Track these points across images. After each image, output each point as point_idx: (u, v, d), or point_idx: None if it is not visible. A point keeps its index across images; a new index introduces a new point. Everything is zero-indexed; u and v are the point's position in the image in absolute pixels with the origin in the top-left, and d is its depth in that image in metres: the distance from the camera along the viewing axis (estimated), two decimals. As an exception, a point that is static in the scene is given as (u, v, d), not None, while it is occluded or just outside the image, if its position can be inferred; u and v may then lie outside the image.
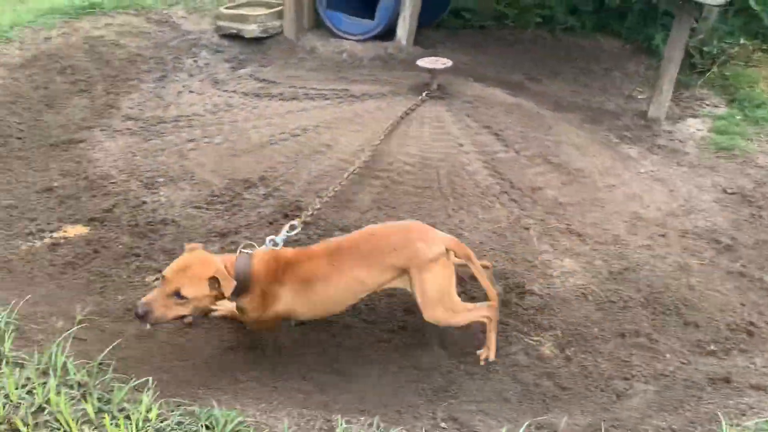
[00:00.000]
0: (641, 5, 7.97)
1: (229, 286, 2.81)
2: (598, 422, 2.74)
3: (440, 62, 5.48)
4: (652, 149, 5.63)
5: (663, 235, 4.29)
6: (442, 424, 2.64)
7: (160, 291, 2.79)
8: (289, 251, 3.14)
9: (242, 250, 3.07)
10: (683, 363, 3.22)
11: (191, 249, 2.92)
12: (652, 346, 3.32)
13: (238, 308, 3.05)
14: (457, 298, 3.13)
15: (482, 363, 3.17)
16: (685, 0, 5.43)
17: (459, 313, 3.11)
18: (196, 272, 2.80)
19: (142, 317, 2.75)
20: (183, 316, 2.88)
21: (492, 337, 3.19)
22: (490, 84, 6.24)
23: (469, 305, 3.17)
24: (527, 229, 4.13)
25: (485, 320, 3.17)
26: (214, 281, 2.80)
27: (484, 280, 3.16)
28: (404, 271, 3.04)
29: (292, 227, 3.44)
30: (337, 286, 3.02)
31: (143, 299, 2.78)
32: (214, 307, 3.14)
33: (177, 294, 2.76)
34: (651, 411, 2.85)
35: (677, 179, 5.16)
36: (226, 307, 3.23)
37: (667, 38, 7.08)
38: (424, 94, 5.38)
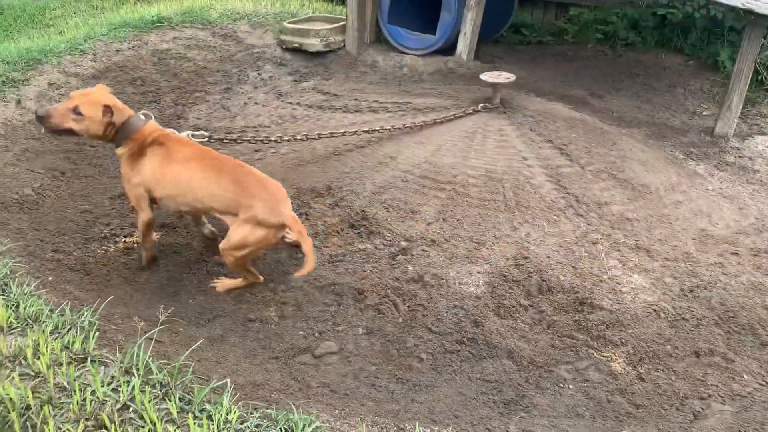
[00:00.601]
0: (705, 21, 7.84)
1: (120, 116, 3.54)
2: (675, 441, 2.69)
3: (503, 76, 5.48)
4: (720, 166, 5.51)
5: (735, 254, 4.19)
6: (515, 437, 2.62)
7: (63, 105, 3.50)
8: (174, 135, 3.81)
9: (145, 112, 3.77)
10: (761, 384, 3.12)
11: (100, 86, 3.68)
12: (728, 366, 3.23)
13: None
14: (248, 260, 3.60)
15: None
16: (757, 14, 5.30)
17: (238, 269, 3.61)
18: (96, 98, 3.52)
19: (41, 119, 3.47)
20: (73, 132, 3.52)
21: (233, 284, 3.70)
22: (552, 99, 6.22)
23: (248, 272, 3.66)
24: (595, 243, 4.08)
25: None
26: (107, 109, 3.49)
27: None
28: (235, 213, 3.50)
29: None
30: (182, 176, 3.54)
31: (46, 107, 3.50)
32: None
33: (75, 110, 3.45)
34: (730, 430, 2.77)
35: (747, 197, 5.04)
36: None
37: (733, 54, 6.96)
38: (480, 106, 5.38)
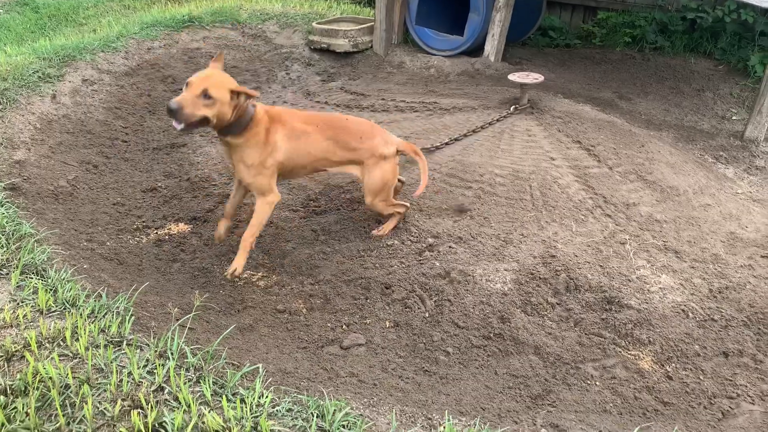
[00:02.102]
0: (735, 26, 7.78)
1: (251, 94, 3.40)
2: (704, 438, 2.68)
3: (531, 77, 5.49)
4: (749, 170, 5.47)
5: (765, 257, 4.16)
6: (543, 430, 2.63)
7: (188, 93, 3.25)
8: (281, 110, 3.81)
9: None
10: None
11: (214, 67, 3.47)
12: (757, 367, 3.21)
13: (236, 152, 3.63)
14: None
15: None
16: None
17: (389, 209, 4.03)
18: (219, 80, 3.33)
19: (173, 112, 3.19)
20: (208, 120, 3.31)
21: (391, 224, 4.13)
22: (579, 101, 6.21)
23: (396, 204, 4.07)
24: (623, 244, 4.07)
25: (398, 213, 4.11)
26: (235, 93, 3.35)
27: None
28: (359, 162, 3.85)
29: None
30: (310, 144, 3.72)
31: (175, 99, 3.23)
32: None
33: (205, 95, 3.24)
34: (760, 431, 2.76)
35: (777, 201, 5.00)
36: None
37: (764, 59, 6.91)
38: (512, 108, 5.40)
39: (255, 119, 3.54)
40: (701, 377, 3.15)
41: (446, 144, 4.99)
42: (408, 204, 4.14)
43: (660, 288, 3.73)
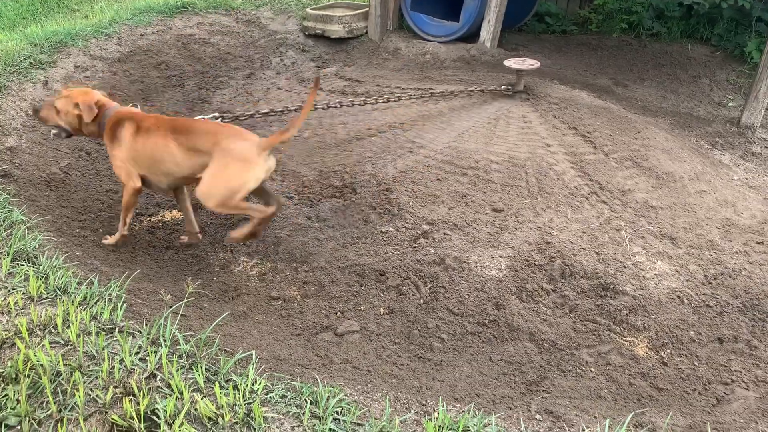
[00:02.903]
0: (732, 12, 7.75)
1: (87, 115, 3.64)
2: (699, 424, 2.68)
3: (527, 63, 5.46)
4: (745, 156, 5.46)
5: (760, 243, 4.15)
6: (537, 416, 2.62)
7: (49, 101, 3.79)
8: (140, 113, 3.80)
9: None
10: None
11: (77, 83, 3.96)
12: (752, 353, 3.21)
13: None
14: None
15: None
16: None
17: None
18: (72, 96, 3.70)
19: (35, 111, 3.81)
20: (59, 127, 3.76)
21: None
22: (576, 87, 6.18)
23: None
24: (619, 230, 4.06)
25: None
26: (76, 105, 3.65)
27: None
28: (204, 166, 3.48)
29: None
30: (156, 147, 3.54)
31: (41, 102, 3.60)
32: None
33: (54, 105, 3.71)
34: (755, 416, 2.75)
35: (773, 187, 4.99)
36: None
37: (760, 45, 6.88)
38: (501, 87, 5.36)
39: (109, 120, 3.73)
40: (696, 363, 3.14)
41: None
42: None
43: (655, 274, 3.72)
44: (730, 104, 6.56)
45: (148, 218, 4.17)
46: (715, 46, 7.74)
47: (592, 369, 3.09)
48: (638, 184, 4.59)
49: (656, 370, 3.09)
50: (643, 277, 3.69)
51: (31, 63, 5.60)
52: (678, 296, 3.56)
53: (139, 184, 3.65)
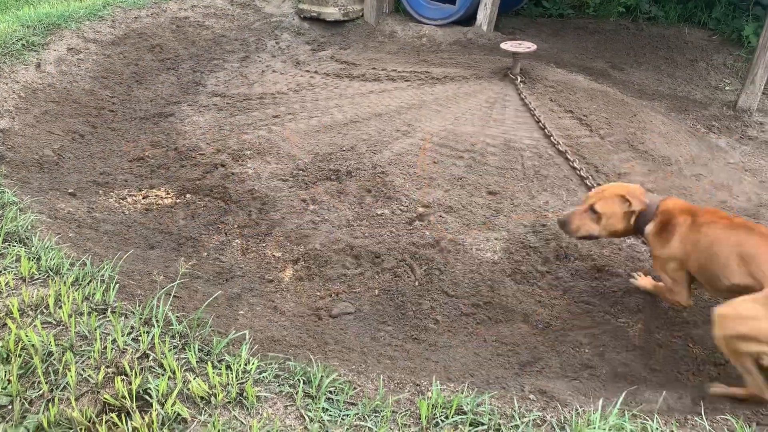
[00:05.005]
0: (730, -5, 7.72)
1: (637, 203, 3.06)
2: (692, 404, 2.68)
3: (524, 46, 5.43)
4: (742, 140, 5.45)
5: (755, 226, 4.14)
6: (531, 396, 2.61)
7: (579, 207, 3.22)
8: (701, 207, 3.13)
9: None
10: None
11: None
12: (746, 334, 3.21)
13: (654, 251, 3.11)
14: None
15: None
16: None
17: None
18: (610, 191, 3.16)
19: (562, 225, 3.22)
20: (592, 236, 3.20)
21: None
22: (572, 70, 6.16)
23: None
24: (614, 212, 4.05)
25: None
26: (624, 199, 3.08)
27: None
28: None
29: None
30: (726, 256, 2.81)
31: (565, 213, 3.16)
32: (635, 276, 3.41)
33: (591, 209, 3.13)
34: (748, 397, 2.76)
35: (769, 170, 4.98)
36: (647, 280, 3.37)
37: (758, 29, 6.85)
38: (516, 76, 5.33)
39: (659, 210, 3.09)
40: (690, 345, 3.14)
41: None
42: None
43: (650, 257, 3.71)
44: (727, 88, 6.54)
45: (142, 200, 4.14)
46: (713, 30, 7.71)
47: (586, 350, 3.09)
48: (634, 168, 4.58)
49: (650, 352, 3.10)
50: (638, 259, 3.68)
51: (24, 45, 5.56)
52: (673, 278, 3.55)
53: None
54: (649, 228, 3.10)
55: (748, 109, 5.84)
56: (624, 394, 2.46)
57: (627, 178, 4.43)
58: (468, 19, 7.18)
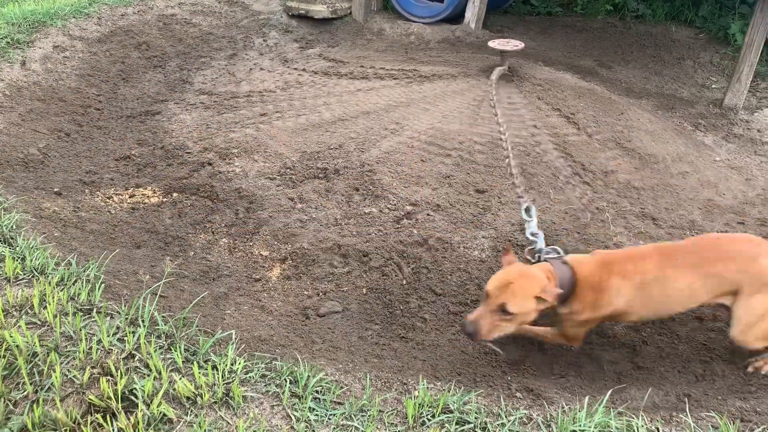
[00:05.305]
0: (717, -6, 7.76)
1: (552, 296, 2.71)
2: (677, 401, 2.69)
3: (511, 44, 5.44)
4: (728, 138, 5.48)
5: (741, 223, 4.17)
6: (518, 394, 2.62)
7: (484, 308, 2.71)
8: (612, 252, 3.07)
9: (547, 257, 2.96)
10: (765, 348, 3.12)
11: (509, 262, 2.86)
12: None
13: (558, 317, 2.94)
14: None
15: (750, 369, 2.95)
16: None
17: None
18: (520, 288, 2.70)
19: (471, 336, 2.72)
20: (506, 334, 2.79)
21: None
22: (560, 68, 6.18)
23: None
24: (600, 210, 4.07)
25: None
26: (540, 299, 2.70)
27: None
28: (735, 288, 2.83)
29: (528, 210, 3.37)
30: (669, 289, 2.84)
31: (470, 317, 2.71)
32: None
33: (503, 310, 2.68)
34: (732, 393, 2.78)
35: (754, 168, 5.02)
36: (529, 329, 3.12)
37: (744, 27, 6.89)
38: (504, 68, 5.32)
39: (579, 285, 2.86)
40: (676, 342, 3.16)
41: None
42: None
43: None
44: (714, 86, 6.58)
45: (128, 200, 4.12)
46: (699, 28, 7.75)
47: (573, 348, 3.10)
48: (621, 165, 4.60)
49: (637, 349, 3.11)
50: (625, 257, 3.70)
51: (8, 42, 5.51)
52: (659, 276, 3.57)
53: None
54: (573, 305, 2.85)
55: (734, 107, 5.88)
56: (610, 392, 2.48)
57: (614, 176, 4.45)
58: (456, 17, 7.18)
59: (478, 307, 2.74)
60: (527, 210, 3.36)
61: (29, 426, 2.07)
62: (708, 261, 2.86)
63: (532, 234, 3.20)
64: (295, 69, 6.05)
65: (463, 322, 2.73)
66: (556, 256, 2.97)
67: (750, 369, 2.96)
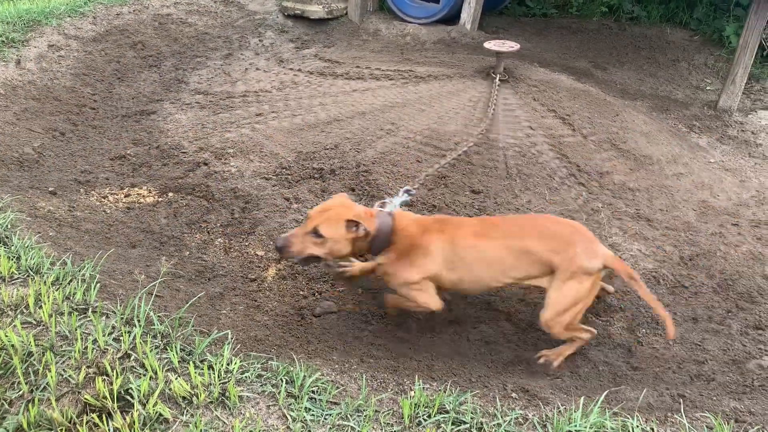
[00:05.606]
0: (711, -4, 7.78)
1: (370, 225, 2.85)
2: (672, 402, 2.70)
3: (507, 45, 5.44)
4: (722, 139, 5.51)
5: (735, 225, 4.19)
6: (513, 395, 2.63)
7: (300, 228, 2.90)
8: (440, 216, 3.15)
9: (380, 208, 3.09)
10: (759, 349, 3.14)
11: (340, 196, 3.01)
12: (725, 332, 3.25)
13: (381, 269, 3.01)
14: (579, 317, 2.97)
15: (541, 361, 3.00)
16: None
17: (572, 331, 2.96)
18: (336, 213, 2.86)
19: (280, 250, 2.87)
20: (318, 258, 2.93)
21: (567, 352, 3.02)
22: (555, 70, 6.19)
23: (582, 327, 3.01)
24: (596, 211, 4.08)
25: (580, 342, 3.03)
26: (351, 223, 2.84)
27: (652, 301, 2.93)
28: (552, 270, 2.89)
29: (408, 192, 3.49)
30: (486, 257, 2.91)
31: (284, 234, 2.86)
32: (344, 264, 3.31)
33: (315, 232, 2.84)
34: (727, 394, 2.79)
35: (748, 170, 5.04)
36: (358, 264, 3.29)
37: (738, 29, 6.91)
38: (497, 77, 5.32)
39: (396, 235, 2.97)
40: (671, 342, 3.18)
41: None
42: (594, 331, 3.06)
43: (632, 255, 3.75)
44: (708, 88, 6.60)
45: (124, 199, 4.11)
46: (694, 30, 7.77)
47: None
48: (616, 167, 4.61)
49: (631, 349, 3.13)
50: (620, 257, 3.71)
51: (3, 41, 5.49)
52: (654, 277, 3.59)
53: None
54: (389, 254, 2.95)
55: (729, 109, 5.91)
56: (605, 392, 2.48)
57: (609, 177, 4.46)
58: (452, 17, 7.19)
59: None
60: (407, 191, 3.49)
61: (25, 425, 2.06)
62: (525, 237, 2.93)
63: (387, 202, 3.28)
64: (291, 69, 6.05)
65: (276, 237, 2.90)
66: (387, 209, 3.10)
67: (541, 360, 3.01)
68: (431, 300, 3.01)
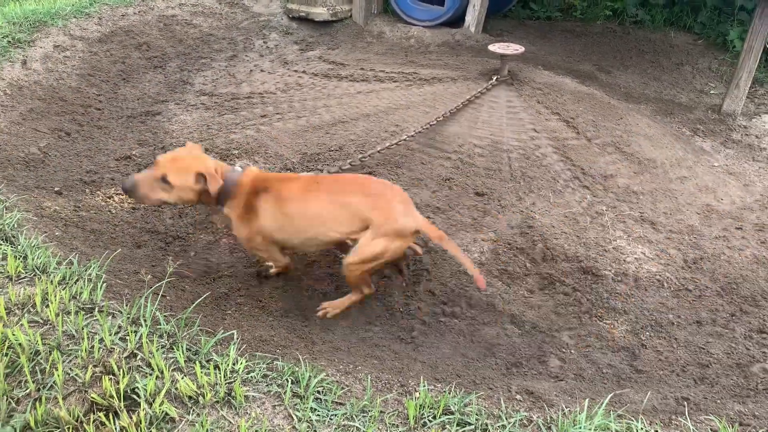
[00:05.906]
0: (715, 0, 7.79)
1: (214, 184, 3.03)
2: (676, 405, 2.71)
3: (511, 48, 5.45)
4: (726, 143, 5.51)
5: (739, 228, 4.20)
6: (518, 397, 2.63)
7: (149, 173, 3.06)
8: (277, 174, 3.42)
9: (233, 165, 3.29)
10: (764, 353, 3.14)
11: (191, 146, 3.20)
12: (729, 335, 3.25)
13: (225, 222, 3.26)
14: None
15: (320, 314, 3.26)
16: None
17: (362, 282, 3.21)
18: (186, 164, 3.06)
19: (128, 191, 3.09)
20: (165, 203, 3.15)
21: (345, 305, 3.29)
22: (559, 73, 6.20)
23: (370, 281, 3.27)
24: (600, 215, 4.08)
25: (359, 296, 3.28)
26: (200, 176, 3.04)
27: (460, 256, 3.12)
28: (367, 226, 3.10)
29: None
30: (308, 212, 3.12)
31: (133, 175, 3.06)
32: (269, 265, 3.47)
33: (163, 179, 3.03)
34: (731, 397, 2.79)
35: (752, 174, 5.05)
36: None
37: (743, 34, 6.93)
38: (494, 78, 5.34)
39: (238, 190, 3.16)
40: (675, 345, 3.18)
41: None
42: (374, 289, 3.33)
43: (636, 258, 3.76)
44: (712, 92, 6.61)
45: (129, 199, 4.12)
46: (698, 34, 7.78)
47: (572, 351, 3.12)
48: (620, 170, 4.62)
49: (635, 352, 3.13)
50: (624, 261, 3.72)
51: (9, 42, 5.51)
52: (658, 280, 3.60)
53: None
54: (231, 206, 3.16)
55: (733, 113, 5.91)
56: (610, 395, 2.49)
57: (613, 180, 4.47)
58: (456, 20, 7.21)
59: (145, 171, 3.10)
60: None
61: (32, 424, 2.07)
62: (347, 193, 3.14)
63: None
64: (296, 71, 6.06)
65: (125, 179, 3.08)
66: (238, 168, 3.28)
67: (320, 313, 3.27)
68: (273, 257, 3.30)
